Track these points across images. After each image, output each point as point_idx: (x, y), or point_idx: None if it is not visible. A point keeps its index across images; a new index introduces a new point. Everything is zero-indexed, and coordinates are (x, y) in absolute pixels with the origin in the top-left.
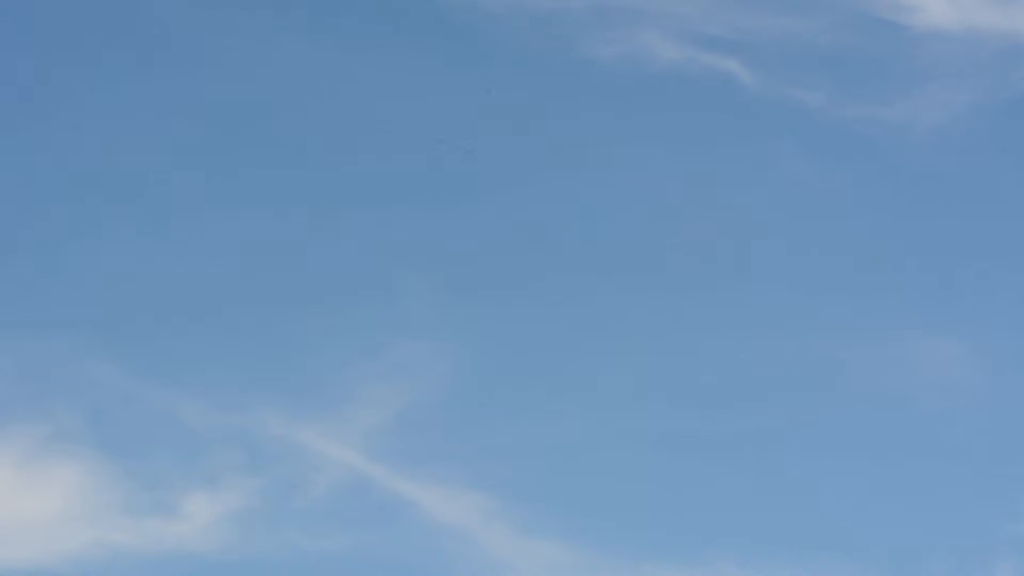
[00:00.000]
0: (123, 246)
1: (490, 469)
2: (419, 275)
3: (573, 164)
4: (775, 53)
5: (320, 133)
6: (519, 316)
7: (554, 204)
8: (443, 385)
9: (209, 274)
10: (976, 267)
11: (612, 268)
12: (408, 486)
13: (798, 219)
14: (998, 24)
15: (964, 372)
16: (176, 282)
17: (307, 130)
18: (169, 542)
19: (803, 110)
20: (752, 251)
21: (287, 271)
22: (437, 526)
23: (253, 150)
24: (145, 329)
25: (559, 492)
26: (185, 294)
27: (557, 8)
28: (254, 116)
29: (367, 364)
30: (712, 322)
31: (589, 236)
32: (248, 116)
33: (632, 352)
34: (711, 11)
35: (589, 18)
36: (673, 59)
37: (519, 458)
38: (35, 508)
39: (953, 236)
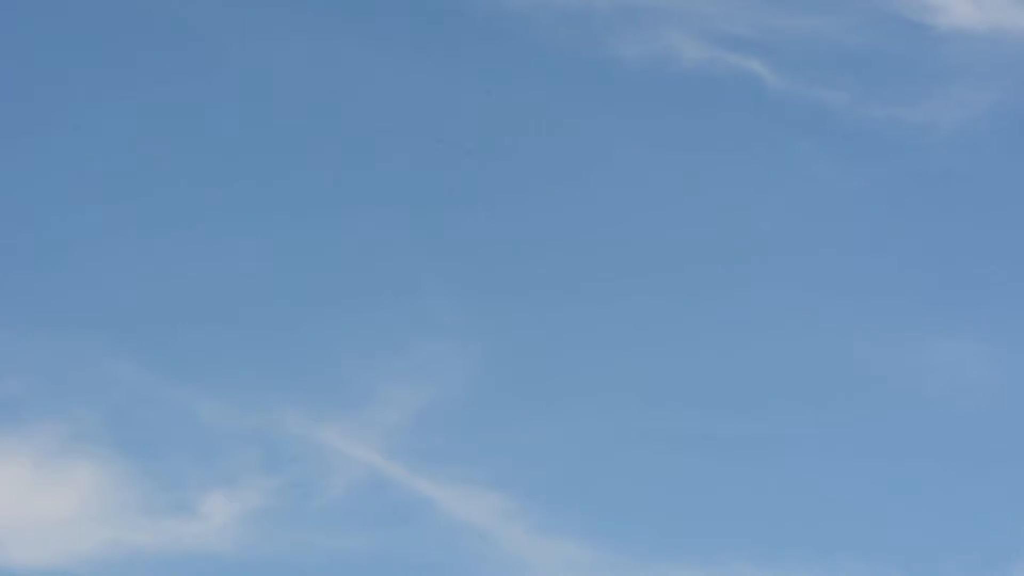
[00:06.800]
0: (142, 246)
1: (509, 469)
2: (440, 275)
3: (596, 163)
4: (799, 53)
5: (342, 132)
6: (540, 316)
7: (576, 204)
8: (463, 385)
9: (228, 274)
10: (997, 268)
11: (633, 268)
12: (427, 485)
13: (820, 219)
14: (1022, 24)
15: (982, 373)
16: (195, 282)
17: (328, 129)
18: (187, 542)
19: (827, 110)
20: (773, 251)
21: (307, 270)
22: (455, 525)
23: (273, 150)
24: (164, 329)
25: (577, 492)
26: (204, 294)
27: (582, 7)
28: (275, 115)
29: (387, 363)
30: (731, 323)
31: (610, 236)
32: (269, 115)
33: (651, 353)
34: (735, 11)
35: (614, 18)
36: (697, 59)
37: (538, 458)
38: (53, 507)
39: (975, 237)
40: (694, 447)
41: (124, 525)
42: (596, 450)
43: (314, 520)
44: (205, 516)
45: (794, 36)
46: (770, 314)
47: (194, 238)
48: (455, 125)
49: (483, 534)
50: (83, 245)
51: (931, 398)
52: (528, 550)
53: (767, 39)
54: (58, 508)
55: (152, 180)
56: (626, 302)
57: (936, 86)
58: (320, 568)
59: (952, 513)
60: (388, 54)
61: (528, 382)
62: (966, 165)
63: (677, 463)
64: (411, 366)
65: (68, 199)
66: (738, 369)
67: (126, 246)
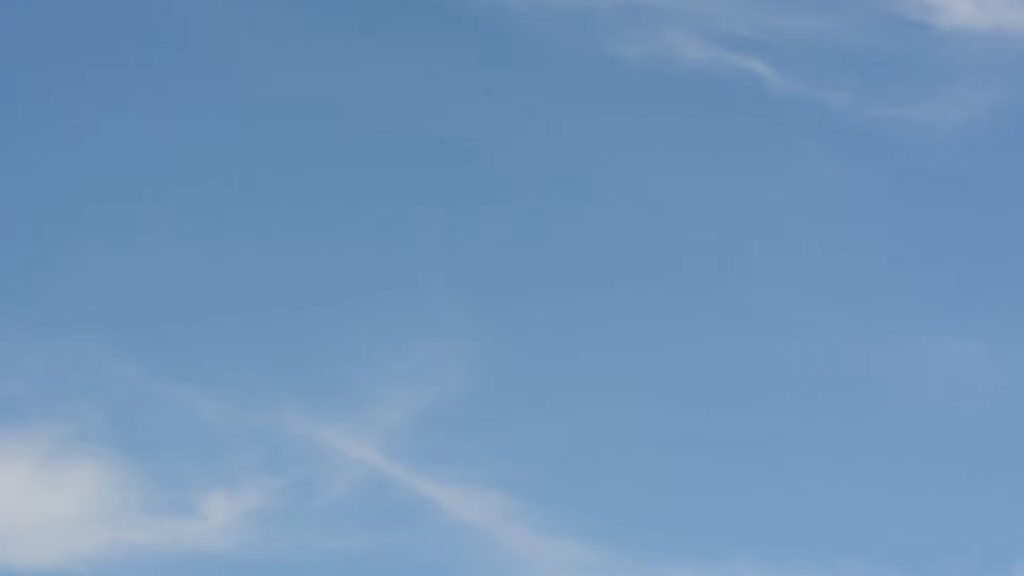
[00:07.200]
0: (145, 246)
1: (510, 469)
2: (441, 275)
3: (596, 163)
4: (800, 53)
5: (341, 132)
6: (541, 316)
7: (576, 204)
8: (464, 385)
9: (230, 274)
10: (997, 268)
11: (633, 268)
12: (428, 485)
13: (821, 219)
14: (1023, 24)
15: (984, 374)
16: (197, 282)
17: (327, 129)
18: (188, 542)
19: (828, 110)
20: (775, 252)
21: (309, 271)
22: (457, 526)
23: (275, 150)
24: (166, 329)
25: (579, 492)
26: (206, 294)
27: (583, 7)
28: (275, 115)
29: (388, 364)
30: (733, 323)
31: (611, 236)
32: (269, 115)
33: (653, 353)
34: (737, 11)
35: (615, 18)
36: (698, 59)
37: (539, 458)
38: (54, 507)
39: (977, 237)
40: (694, 447)
41: (125, 525)
42: (596, 450)
43: (315, 520)
44: (206, 516)
45: (795, 36)
46: (770, 314)
47: (194, 238)
48: (455, 125)
49: (484, 534)
50: (83, 245)
51: (931, 398)
52: (529, 550)
53: (768, 39)
54: (58, 508)
55: (152, 180)
56: (626, 302)
57: (937, 86)
58: (321, 568)
59: (952, 513)
60: (388, 54)
61: (528, 382)
62: (966, 165)
63: (677, 463)
64: (411, 366)
65: (68, 199)
66: (738, 369)
67: (126, 246)
